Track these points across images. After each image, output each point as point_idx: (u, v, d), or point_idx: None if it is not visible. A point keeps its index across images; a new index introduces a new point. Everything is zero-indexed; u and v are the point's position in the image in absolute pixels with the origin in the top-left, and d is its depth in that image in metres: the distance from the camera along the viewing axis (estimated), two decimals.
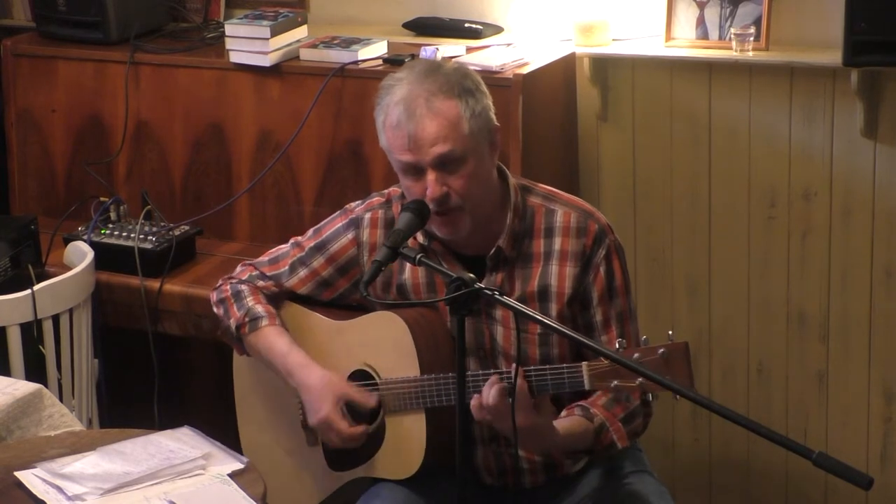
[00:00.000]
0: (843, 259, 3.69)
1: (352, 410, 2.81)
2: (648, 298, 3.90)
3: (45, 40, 4.19)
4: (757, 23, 3.62)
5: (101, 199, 3.87)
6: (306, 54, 3.83)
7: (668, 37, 3.73)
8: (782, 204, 3.72)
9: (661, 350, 2.47)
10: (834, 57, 3.45)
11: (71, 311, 3.49)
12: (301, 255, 2.96)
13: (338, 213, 2.96)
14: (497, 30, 3.92)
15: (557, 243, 2.76)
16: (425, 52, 3.68)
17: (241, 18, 3.87)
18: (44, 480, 2.55)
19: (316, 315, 2.94)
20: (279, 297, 2.98)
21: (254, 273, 3.00)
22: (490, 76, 3.48)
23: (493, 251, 2.76)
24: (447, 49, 3.76)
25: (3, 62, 4.17)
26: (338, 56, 3.75)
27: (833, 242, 3.69)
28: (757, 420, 2.17)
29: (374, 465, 2.84)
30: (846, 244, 3.68)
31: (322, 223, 2.97)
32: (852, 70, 3.46)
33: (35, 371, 3.42)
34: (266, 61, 3.79)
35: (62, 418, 2.96)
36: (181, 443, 2.69)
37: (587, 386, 2.56)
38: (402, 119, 2.65)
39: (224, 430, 2.98)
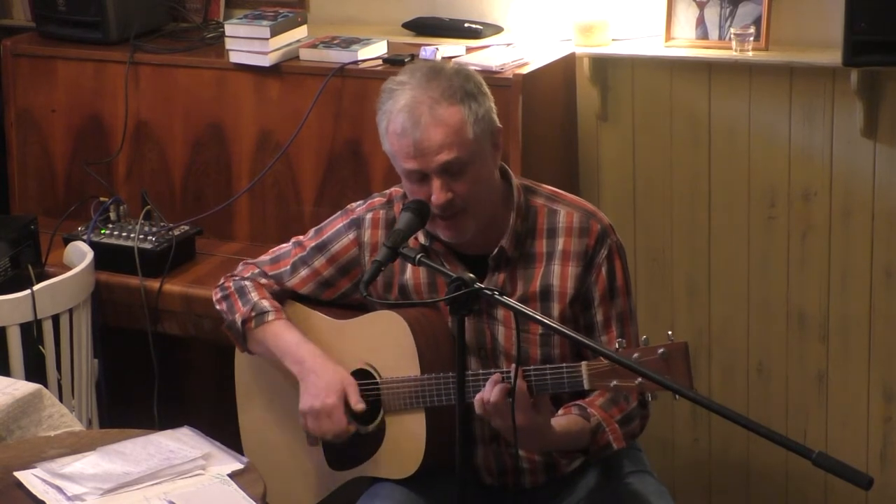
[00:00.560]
0: (842, 259, 3.69)
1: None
2: (648, 298, 3.90)
3: (44, 40, 4.19)
4: (757, 23, 3.62)
5: (101, 199, 3.87)
6: (306, 54, 3.83)
7: (668, 37, 3.73)
8: (782, 204, 3.72)
9: (661, 350, 2.47)
10: (834, 57, 3.45)
11: (71, 311, 3.48)
12: (302, 255, 2.96)
13: (339, 213, 2.96)
14: (497, 30, 3.92)
15: (560, 243, 2.77)
16: (425, 52, 3.67)
17: (241, 18, 3.87)
18: (43, 480, 2.55)
19: (317, 314, 2.94)
20: (280, 297, 2.98)
21: (255, 272, 3.00)
22: (490, 76, 3.48)
23: (495, 251, 2.76)
24: (447, 49, 3.75)
25: (3, 62, 4.17)
26: (338, 56, 3.75)
27: (833, 242, 3.69)
28: (757, 420, 2.17)
29: (374, 465, 2.84)
30: (846, 244, 3.68)
31: (324, 223, 2.97)
32: (852, 70, 3.46)
33: (35, 371, 3.42)
34: (266, 61, 3.79)
35: (62, 418, 2.96)
36: (181, 443, 2.69)
37: (586, 386, 2.56)
38: (407, 126, 2.65)
39: (224, 430, 2.98)
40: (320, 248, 2.94)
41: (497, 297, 2.36)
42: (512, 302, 2.38)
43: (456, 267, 2.76)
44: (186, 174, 3.99)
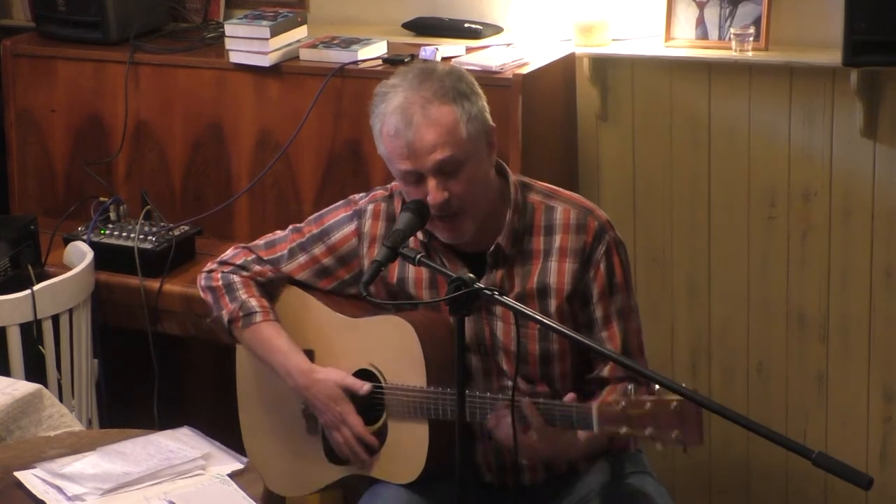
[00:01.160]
0: (842, 259, 3.69)
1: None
2: (648, 298, 3.90)
3: (44, 40, 4.19)
4: (756, 23, 3.62)
5: (101, 199, 3.87)
6: (306, 54, 3.83)
7: (668, 37, 3.73)
8: (782, 204, 3.72)
9: (674, 404, 2.39)
10: (834, 57, 3.45)
11: (71, 311, 3.49)
12: (301, 241, 2.95)
13: (341, 202, 2.96)
14: (497, 30, 3.92)
15: (557, 240, 2.77)
16: (425, 52, 3.67)
17: (241, 18, 3.87)
18: (43, 480, 2.55)
19: (317, 303, 2.93)
20: (274, 283, 2.97)
21: (249, 258, 2.98)
22: (490, 76, 3.49)
23: (492, 248, 2.76)
24: (447, 49, 3.75)
25: (2, 62, 4.17)
26: (337, 56, 3.75)
27: (833, 242, 3.69)
28: (757, 420, 2.17)
29: (373, 466, 2.83)
30: (846, 244, 3.68)
31: (324, 211, 2.97)
32: (852, 70, 3.46)
33: (35, 371, 3.42)
34: (266, 61, 3.79)
35: (62, 418, 2.96)
36: (181, 443, 2.70)
37: (595, 429, 2.54)
38: (400, 127, 2.65)
39: (224, 430, 2.98)
40: (320, 236, 2.94)
41: (496, 297, 2.37)
42: (511, 302, 2.39)
43: (455, 264, 2.77)
44: (186, 174, 3.99)
